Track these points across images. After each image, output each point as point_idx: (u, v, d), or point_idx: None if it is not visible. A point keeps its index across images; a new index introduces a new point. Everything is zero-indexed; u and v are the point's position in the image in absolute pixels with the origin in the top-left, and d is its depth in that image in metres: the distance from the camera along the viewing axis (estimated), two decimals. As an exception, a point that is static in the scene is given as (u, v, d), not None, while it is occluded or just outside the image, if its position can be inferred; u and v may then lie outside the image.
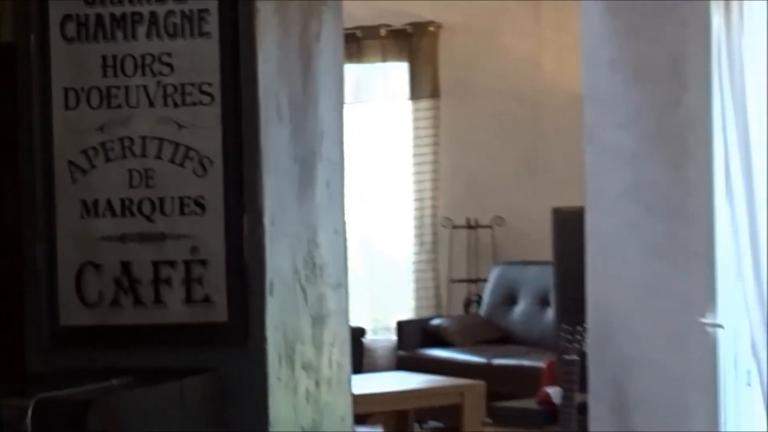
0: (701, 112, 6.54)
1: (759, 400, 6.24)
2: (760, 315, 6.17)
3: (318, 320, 2.92)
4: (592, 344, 7.16)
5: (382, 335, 11.29)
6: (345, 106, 9.95)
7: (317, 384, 2.89)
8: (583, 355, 7.13)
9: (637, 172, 6.98)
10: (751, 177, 6.21)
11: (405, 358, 10.71)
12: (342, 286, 3.09)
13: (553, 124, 8.88)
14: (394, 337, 11.15)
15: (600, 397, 7.17)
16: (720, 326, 6.55)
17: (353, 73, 11.43)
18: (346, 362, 3.14)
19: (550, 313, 9.27)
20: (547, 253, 8.59)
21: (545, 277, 9.01)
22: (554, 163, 8.85)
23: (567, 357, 7.05)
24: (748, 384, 6.38)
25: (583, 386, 7.12)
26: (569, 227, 7.34)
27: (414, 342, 10.83)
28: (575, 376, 6.97)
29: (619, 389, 7.07)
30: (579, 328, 7.16)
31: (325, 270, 2.96)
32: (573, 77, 7.61)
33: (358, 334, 11.04)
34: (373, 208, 11.72)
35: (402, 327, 11.10)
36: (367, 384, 9.81)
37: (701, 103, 6.55)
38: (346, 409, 3.12)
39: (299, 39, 2.88)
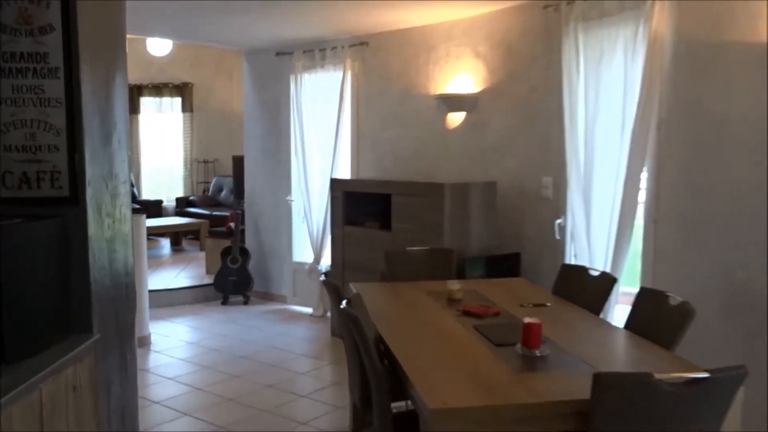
0: (288, 121, 6.44)
1: (306, 230, 6.28)
2: (306, 196, 6.17)
3: (114, 195, 2.68)
4: (247, 206, 7.03)
5: (170, 203, 10.71)
6: (155, 114, 9.08)
7: (113, 221, 2.67)
8: (243, 211, 6.97)
9: (263, 142, 6.82)
10: (303, 144, 6.17)
11: (179, 212, 10.23)
12: (126, 182, 2.85)
13: (237, 124, 8.48)
14: (174, 203, 10.61)
15: (250, 227, 7.05)
16: (293, 200, 6.55)
17: (158, 101, 10.80)
18: (128, 212, 2.89)
19: (232, 195, 9.02)
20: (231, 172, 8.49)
21: (230, 181, 8.86)
22: (235, 138, 8.51)
23: (237, 211, 6.88)
24: (303, 221, 6.40)
25: (243, 222, 6.97)
26: (239, 163, 7.14)
27: (183, 205, 10.37)
28: (240, 220, 6.82)
29: (257, 224, 6.97)
30: (242, 201, 7.00)
31: (118, 176, 2.72)
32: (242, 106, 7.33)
33: (159, 202, 10.47)
34: (172, 150, 10.99)
35: (178, 199, 10.57)
36: (162, 222, 9.35)
37: (287, 118, 6.44)
38: (128, 231, 2.89)
39: (103, 80, 2.62)
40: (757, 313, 3.14)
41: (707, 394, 1.79)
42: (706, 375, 1.75)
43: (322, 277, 3.20)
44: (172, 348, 5.27)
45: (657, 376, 1.73)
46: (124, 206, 2.88)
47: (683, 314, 2.53)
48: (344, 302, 2.58)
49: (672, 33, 3.59)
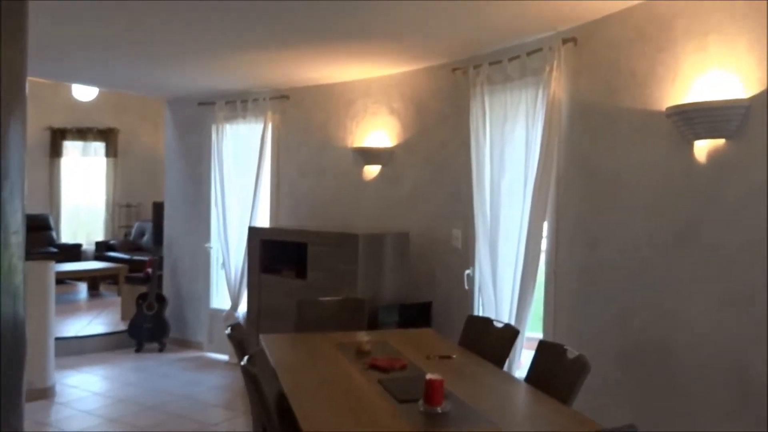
0: (208, 169, 6.22)
1: (224, 277, 6.02)
2: (225, 243, 5.94)
3: (4, 247, 2.40)
4: (165, 252, 6.70)
5: (89, 246, 10.11)
6: (78, 158, 8.60)
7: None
8: (161, 257, 6.65)
9: (183, 189, 6.56)
10: (223, 191, 5.97)
11: (98, 256, 9.68)
12: (18, 232, 2.56)
13: (162, 170, 8.01)
14: (93, 247, 10.03)
15: (168, 273, 6.71)
16: (211, 247, 6.28)
17: (83, 146, 10.29)
18: (20, 263, 2.58)
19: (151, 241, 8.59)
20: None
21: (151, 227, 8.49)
22: (160, 183, 8.07)
23: (155, 257, 6.54)
24: (221, 268, 6.13)
25: (161, 268, 6.64)
26: (159, 208, 6.83)
27: (102, 249, 9.83)
28: (157, 265, 6.48)
29: (175, 270, 6.64)
30: (160, 246, 6.68)
31: (8, 227, 2.45)
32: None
33: (78, 246, 9.90)
34: (95, 194, 10.43)
35: (98, 243, 10.01)
36: (78, 266, 8.80)
37: (208, 166, 6.22)
38: (18, 283, 2.57)
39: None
40: (651, 361, 3.14)
41: (600, 455, 1.71)
42: (597, 436, 1.68)
43: (228, 330, 3.00)
44: (78, 399, 4.85)
45: (551, 438, 1.64)
46: (15, 257, 2.59)
47: (579, 368, 2.48)
48: (245, 359, 2.39)
49: (568, 98, 3.67)
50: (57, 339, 5.65)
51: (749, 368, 2.63)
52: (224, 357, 5.99)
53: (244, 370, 2.27)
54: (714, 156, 2.81)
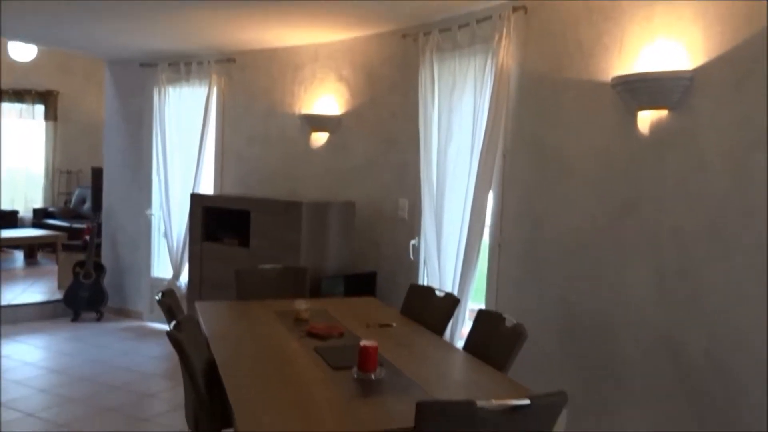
0: (150, 133, 5.97)
1: (166, 246, 5.82)
2: (167, 211, 5.72)
3: None
4: (104, 219, 6.43)
5: (27, 213, 9.66)
6: (14, 120, 8.10)
7: None
8: (99, 224, 6.38)
9: (124, 154, 6.26)
10: (165, 157, 5.72)
11: (36, 223, 9.24)
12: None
13: (102, 132, 7.65)
14: (31, 214, 9.58)
15: (107, 241, 6.43)
16: (153, 215, 6.06)
17: (21, 108, 9.72)
18: None
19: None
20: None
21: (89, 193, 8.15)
22: (99, 148, 7.61)
23: (93, 224, 6.25)
24: (164, 236, 5.93)
25: (99, 236, 6.38)
26: (98, 174, 6.54)
27: (41, 216, 9.39)
28: (95, 232, 6.21)
29: (115, 238, 6.38)
30: (99, 213, 6.41)
31: None
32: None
33: (14, 213, 9.44)
34: (33, 158, 9.89)
35: (36, 210, 9.55)
36: (18, 233, 8.34)
37: (149, 130, 5.98)
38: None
39: None
40: (590, 335, 3.16)
41: (529, 420, 1.68)
42: (527, 402, 1.65)
43: (158, 296, 2.87)
44: (7, 369, 4.62)
45: (479, 403, 1.60)
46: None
47: (516, 336, 2.45)
48: (172, 324, 2.28)
49: (517, 67, 3.61)
50: (-14, 307, 5.40)
51: (683, 343, 2.66)
52: (165, 327, 5.82)
53: (170, 335, 2.15)
54: (656, 127, 2.80)
